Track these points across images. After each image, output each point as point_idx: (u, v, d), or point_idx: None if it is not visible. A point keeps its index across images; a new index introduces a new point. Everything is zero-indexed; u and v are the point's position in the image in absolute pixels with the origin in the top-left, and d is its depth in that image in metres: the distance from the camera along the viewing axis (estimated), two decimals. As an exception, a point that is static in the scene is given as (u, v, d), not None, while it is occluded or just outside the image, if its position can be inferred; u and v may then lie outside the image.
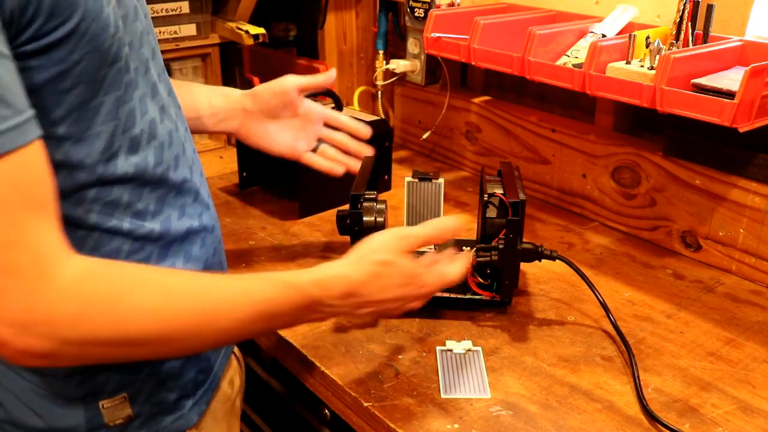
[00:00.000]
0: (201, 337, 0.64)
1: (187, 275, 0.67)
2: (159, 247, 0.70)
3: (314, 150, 1.05)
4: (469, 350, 0.89)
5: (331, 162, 1.05)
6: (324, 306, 0.70)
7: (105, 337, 0.58)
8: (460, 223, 0.80)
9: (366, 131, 1.05)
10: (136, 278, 0.61)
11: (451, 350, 0.89)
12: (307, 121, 1.04)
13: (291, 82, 1.01)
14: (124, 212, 0.66)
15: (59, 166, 0.60)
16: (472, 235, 1.17)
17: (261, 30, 1.43)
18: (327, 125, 1.06)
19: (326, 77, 1.04)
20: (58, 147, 0.60)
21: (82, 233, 0.64)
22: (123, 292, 0.59)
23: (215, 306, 0.63)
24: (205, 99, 1.00)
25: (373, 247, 0.74)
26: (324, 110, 1.05)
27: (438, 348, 0.89)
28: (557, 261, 0.94)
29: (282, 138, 1.02)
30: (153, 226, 0.69)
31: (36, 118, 0.54)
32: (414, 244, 0.76)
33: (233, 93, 1.02)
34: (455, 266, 0.80)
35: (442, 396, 0.81)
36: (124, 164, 0.65)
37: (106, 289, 0.58)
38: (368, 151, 1.06)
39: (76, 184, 0.62)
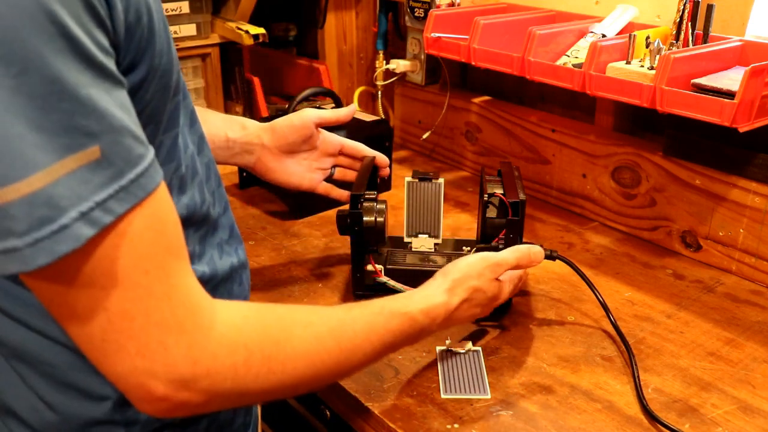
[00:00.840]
0: (340, 373, 0.64)
1: (323, 312, 0.65)
2: (209, 290, 0.66)
3: (329, 176, 1.04)
4: (469, 350, 0.89)
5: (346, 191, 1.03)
6: (426, 332, 0.74)
7: (259, 387, 0.56)
8: (540, 250, 0.87)
9: (385, 160, 1.03)
10: (287, 321, 0.60)
11: (451, 350, 0.89)
12: (323, 153, 1.01)
13: (311, 116, 0.97)
14: None
15: None
16: (472, 235, 1.17)
17: (261, 30, 1.43)
18: (343, 154, 1.03)
19: (348, 111, 1.01)
20: None
21: None
22: (280, 337, 0.57)
23: (351, 341, 0.63)
24: (221, 131, 0.95)
25: (466, 272, 0.79)
26: (341, 139, 1.02)
27: (438, 348, 0.89)
28: (557, 261, 0.94)
29: (297, 171, 0.99)
30: (203, 268, 0.66)
31: None
32: (502, 272, 0.83)
33: (251, 125, 0.97)
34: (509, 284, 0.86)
35: (442, 396, 0.81)
36: (178, 206, 0.60)
37: (264, 335, 0.57)
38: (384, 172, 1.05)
39: None
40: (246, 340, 0.55)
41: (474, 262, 0.80)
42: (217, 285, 0.68)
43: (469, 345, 0.90)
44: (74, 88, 0.44)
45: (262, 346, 0.56)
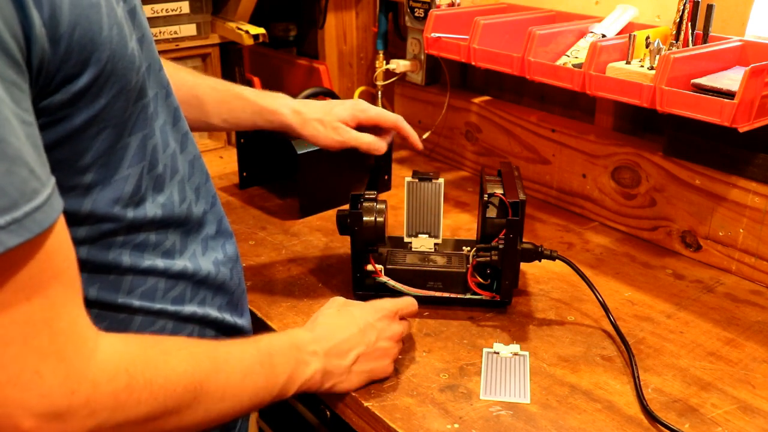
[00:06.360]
0: (216, 395, 0.61)
1: (194, 340, 0.66)
2: (192, 283, 0.68)
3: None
4: (516, 354, 0.88)
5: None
6: (308, 352, 0.74)
7: (142, 414, 0.54)
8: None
9: (413, 135, 1.05)
10: (165, 343, 0.59)
11: (497, 353, 0.88)
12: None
13: (364, 113, 1.01)
14: (153, 252, 0.64)
15: (88, 217, 0.57)
16: (472, 235, 1.18)
17: (261, 30, 1.43)
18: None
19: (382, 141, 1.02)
20: (86, 196, 0.56)
21: (116, 277, 0.61)
22: (159, 359, 0.57)
23: (227, 358, 0.63)
24: (257, 98, 1.00)
25: (327, 305, 0.84)
26: (374, 111, 1.02)
27: (485, 350, 0.89)
28: (557, 261, 0.94)
29: (321, 131, 1.01)
30: (184, 263, 0.66)
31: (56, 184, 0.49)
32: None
33: (283, 100, 1.02)
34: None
35: (481, 397, 0.81)
36: (152, 207, 0.62)
37: (145, 358, 0.56)
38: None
39: (105, 231, 0.59)
40: (127, 365, 0.53)
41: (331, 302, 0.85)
42: (203, 279, 0.69)
43: (517, 349, 0.89)
44: None
45: (144, 369, 0.54)
